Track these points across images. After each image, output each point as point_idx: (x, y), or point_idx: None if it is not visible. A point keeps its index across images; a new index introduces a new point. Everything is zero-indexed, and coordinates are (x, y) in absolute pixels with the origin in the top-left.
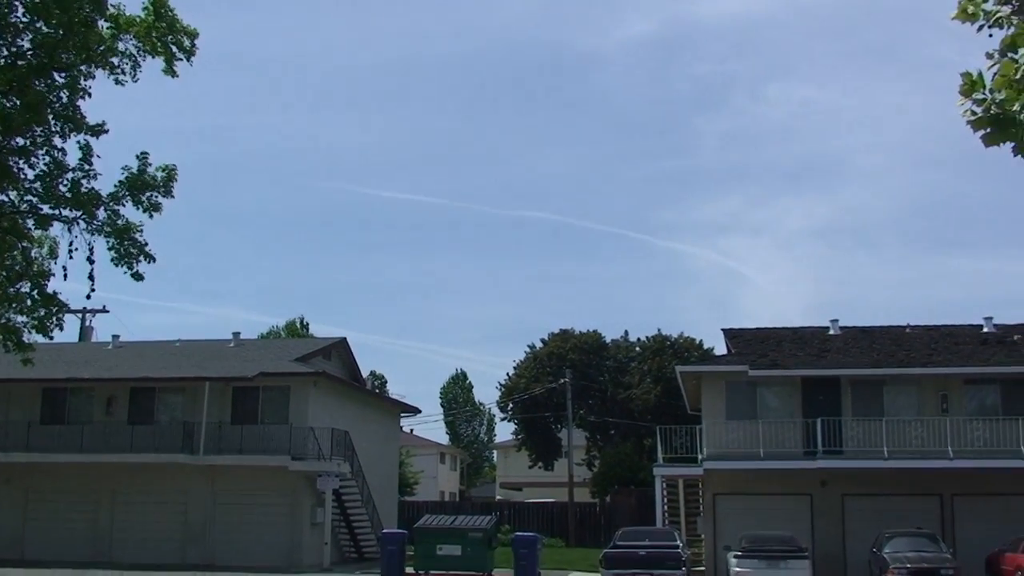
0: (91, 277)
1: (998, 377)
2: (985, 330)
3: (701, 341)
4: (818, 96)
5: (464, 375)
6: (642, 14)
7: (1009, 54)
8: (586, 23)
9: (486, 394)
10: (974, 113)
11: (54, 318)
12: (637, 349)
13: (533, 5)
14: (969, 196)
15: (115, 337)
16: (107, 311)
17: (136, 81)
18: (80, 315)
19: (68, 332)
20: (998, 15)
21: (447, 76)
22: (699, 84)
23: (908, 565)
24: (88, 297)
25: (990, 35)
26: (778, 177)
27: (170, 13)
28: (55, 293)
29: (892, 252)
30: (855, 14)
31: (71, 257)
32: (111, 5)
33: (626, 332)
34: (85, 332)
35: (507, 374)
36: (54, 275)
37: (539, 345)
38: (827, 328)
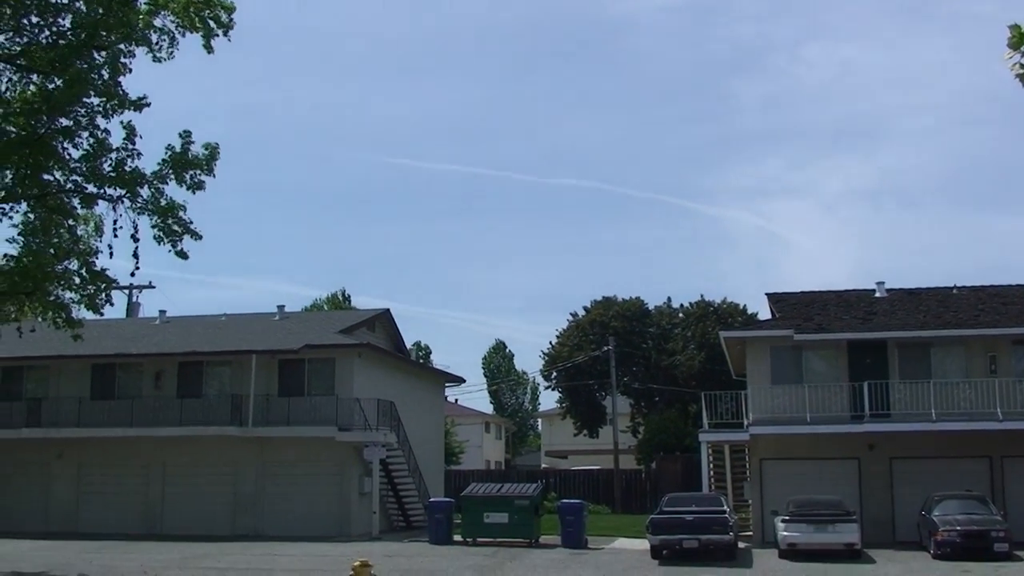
0: (135, 255)
1: None
2: None
3: (745, 306)
4: (858, 56)
5: (504, 345)
6: None
7: None
8: None
9: (529, 363)
10: (1022, 66)
11: (103, 295)
12: (680, 315)
13: None
14: (1014, 155)
15: (162, 312)
16: (153, 287)
17: (173, 58)
18: (127, 291)
19: (115, 308)
20: None
21: (484, 45)
22: (737, 46)
23: (958, 528)
24: (132, 275)
25: None
26: (819, 139)
27: None
28: (103, 269)
29: (937, 213)
30: None
31: (116, 235)
32: None
33: (669, 299)
34: (132, 308)
35: (550, 343)
36: (100, 253)
37: (581, 313)
38: (873, 291)
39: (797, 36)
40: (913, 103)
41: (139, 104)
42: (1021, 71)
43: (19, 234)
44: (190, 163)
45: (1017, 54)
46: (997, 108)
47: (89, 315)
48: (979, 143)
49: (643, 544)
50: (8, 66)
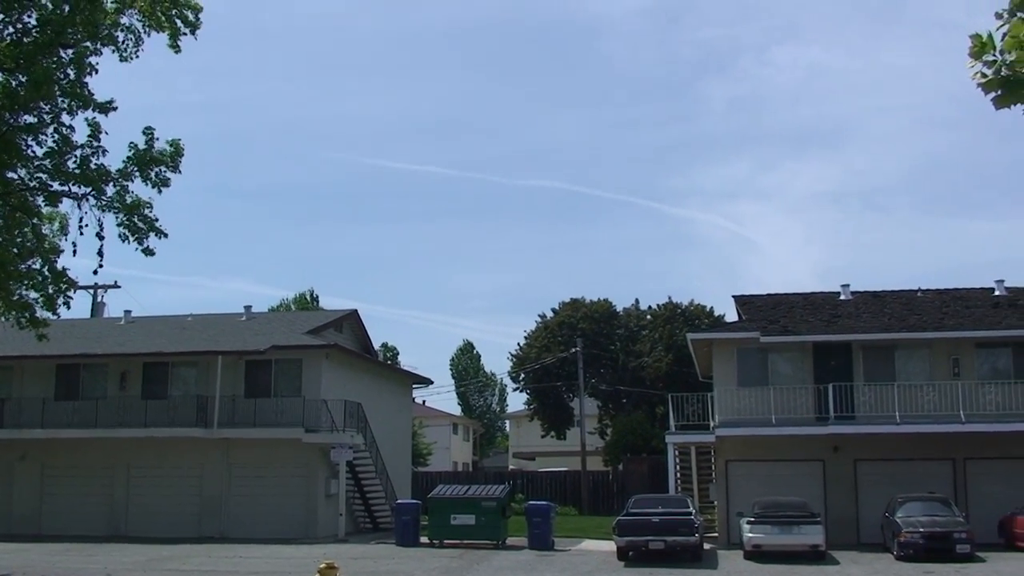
0: (100, 253)
1: (1010, 340)
2: (997, 293)
3: (712, 308)
4: (825, 59)
5: (471, 346)
6: None
7: (1019, 14)
8: None
9: (497, 364)
10: (984, 75)
11: (62, 295)
12: (648, 317)
13: None
14: (979, 158)
15: (127, 312)
16: (119, 287)
17: (138, 57)
18: (92, 291)
19: (81, 308)
20: None
21: (453, 45)
22: (706, 49)
23: (921, 529)
24: (95, 273)
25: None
26: (786, 141)
27: None
28: (64, 270)
29: (902, 216)
30: None
31: (81, 233)
32: None
33: (637, 300)
34: (97, 308)
35: (518, 344)
36: (64, 251)
37: (549, 315)
38: (838, 293)
39: (765, 39)
40: (879, 106)
41: (106, 107)
42: (982, 80)
43: None
44: (155, 160)
45: (979, 63)
46: (963, 111)
47: (48, 315)
48: (944, 146)
49: (610, 546)
50: None
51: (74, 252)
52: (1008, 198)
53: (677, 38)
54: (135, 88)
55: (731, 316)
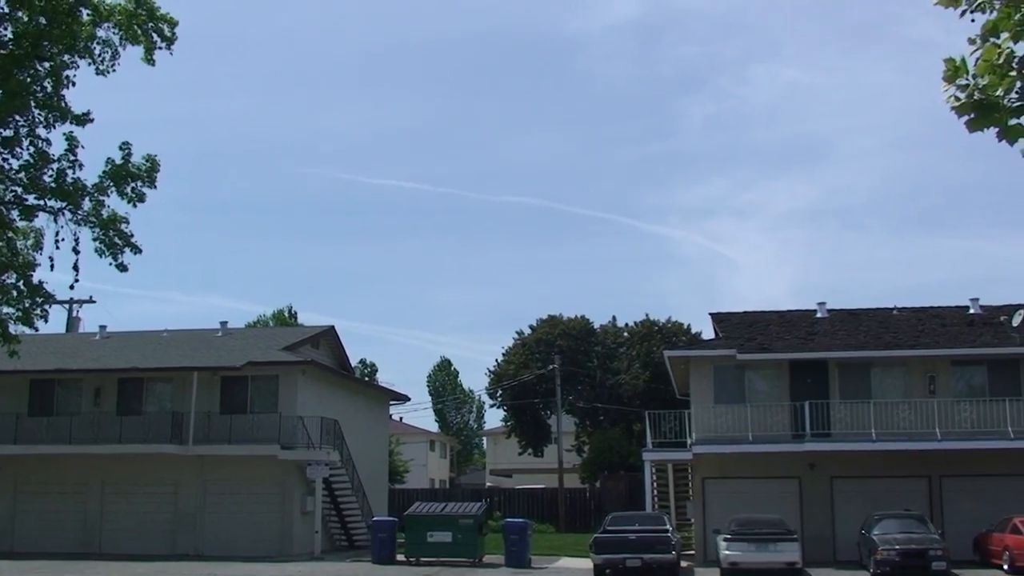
0: (76, 268)
1: (985, 358)
2: (972, 311)
3: (689, 325)
4: (802, 77)
5: (449, 363)
6: None
7: (991, 39)
8: (570, 5)
9: (475, 381)
10: (957, 99)
11: (39, 309)
12: (625, 334)
13: None
14: (954, 176)
15: (102, 328)
16: (94, 302)
17: (114, 71)
18: (67, 306)
19: (56, 323)
20: (980, 0)
21: (430, 61)
22: (683, 67)
23: (896, 547)
24: (72, 287)
25: (972, 20)
26: (763, 160)
27: (149, 1)
28: (41, 283)
29: (878, 234)
30: None
31: (57, 248)
32: None
33: (614, 317)
34: (72, 323)
35: (496, 360)
36: (39, 265)
37: (527, 331)
38: (814, 311)
39: (743, 57)
40: (856, 125)
41: (83, 119)
42: (956, 103)
43: None
44: (131, 174)
45: (952, 87)
46: (939, 130)
47: (25, 330)
48: (920, 165)
49: (587, 563)
50: None
51: (51, 266)
52: (982, 217)
53: (655, 55)
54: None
55: (708, 333)
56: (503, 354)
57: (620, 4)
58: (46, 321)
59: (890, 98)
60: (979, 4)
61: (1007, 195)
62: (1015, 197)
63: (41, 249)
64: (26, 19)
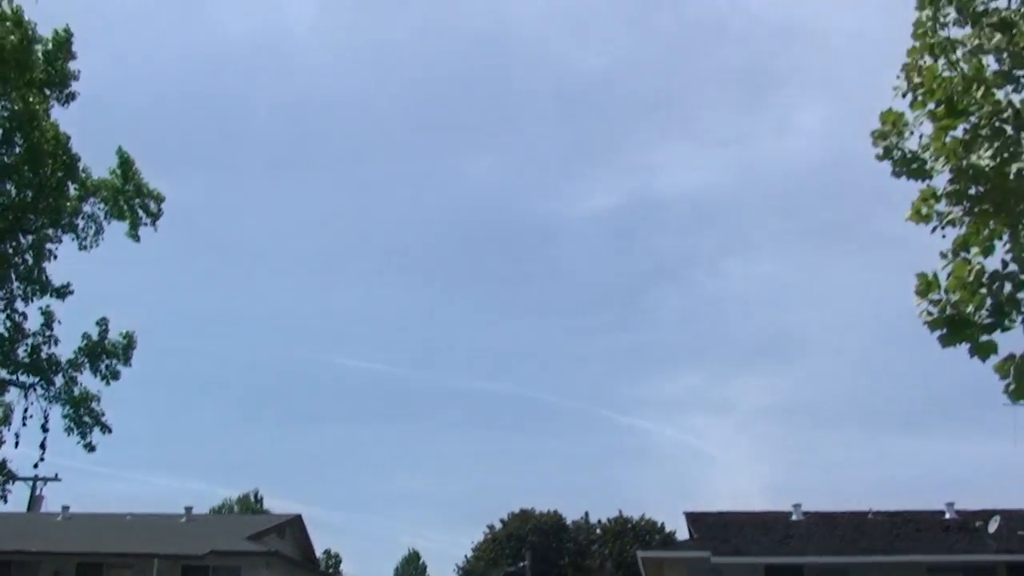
0: (43, 446)
1: (961, 566)
2: (947, 516)
3: (663, 524)
4: (776, 271)
5: (417, 555)
6: (605, 186)
7: (962, 254)
8: (549, 194)
9: (444, 575)
10: (930, 314)
11: (0, 489)
12: (598, 531)
13: (496, 176)
14: (928, 375)
15: (65, 508)
16: (59, 479)
17: (98, 246)
18: (31, 483)
19: (17, 500)
20: (950, 216)
21: (408, 246)
22: (660, 258)
23: None
24: (36, 466)
25: (943, 236)
26: (737, 353)
27: (137, 176)
28: (4, 462)
29: (850, 432)
30: (812, 189)
31: (25, 424)
32: (80, 168)
33: (587, 513)
34: (35, 501)
35: (465, 556)
36: (4, 443)
37: (498, 525)
38: (790, 513)
39: (717, 250)
40: (830, 321)
41: (62, 292)
42: (929, 318)
43: None
44: (106, 351)
45: (925, 301)
46: (909, 329)
47: None
48: (892, 363)
49: None
50: None
51: (16, 444)
52: (956, 420)
53: (631, 245)
54: (85, 270)
55: (682, 531)
56: (473, 549)
57: (598, 194)
58: (5, 501)
59: (864, 295)
60: (949, 219)
61: (982, 398)
62: (990, 401)
63: (9, 424)
64: (14, 192)
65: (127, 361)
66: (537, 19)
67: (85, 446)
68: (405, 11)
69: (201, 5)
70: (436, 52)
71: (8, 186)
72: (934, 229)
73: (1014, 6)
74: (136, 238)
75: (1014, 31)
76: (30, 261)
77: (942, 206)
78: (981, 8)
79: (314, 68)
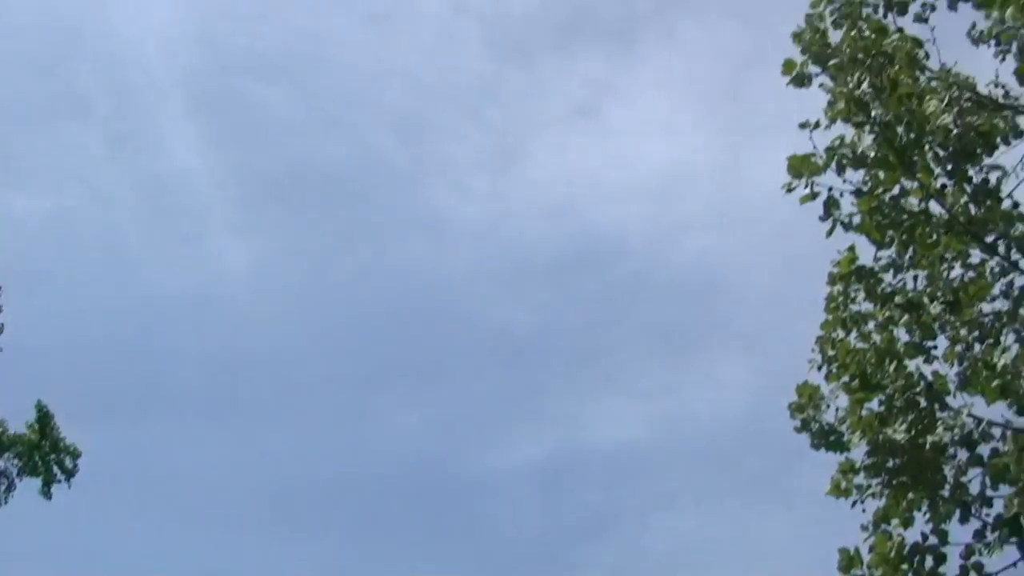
0: None
1: None
2: None
3: None
4: (701, 526)
5: None
6: (531, 438)
7: (883, 526)
8: (476, 443)
9: None
10: None
11: None
12: None
13: (417, 426)
14: None
15: None
16: None
17: (7, 504)
18: None
19: None
20: (870, 490)
21: (327, 500)
22: (587, 512)
23: None
24: None
25: (863, 510)
26: None
27: (55, 432)
28: None
29: None
30: (738, 441)
31: None
32: None
33: None
34: None
35: None
36: None
37: None
38: None
39: (644, 505)
40: None
41: None
42: None
43: None
44: None
45: None
46: None
47: None
48: None
49: None
50: None
51: None
52: None
53: (558, 500)
54: None
55: None
56: None
57: (525, 445)
58: None
59: (786, 549)
60: (869, 492)
61: None
62: None
63: None
64: None
65: None
66: (469, 275)
67: None
68: (341, 257)
69: (136, 261)
70: (369, 300)
71: None
72: (854, 504)
73: (919, 287)
74: (48, 496)
75: (920, 311)
76: None
77: (861, 479)
78: (888, 290)
79: (244, 318)
